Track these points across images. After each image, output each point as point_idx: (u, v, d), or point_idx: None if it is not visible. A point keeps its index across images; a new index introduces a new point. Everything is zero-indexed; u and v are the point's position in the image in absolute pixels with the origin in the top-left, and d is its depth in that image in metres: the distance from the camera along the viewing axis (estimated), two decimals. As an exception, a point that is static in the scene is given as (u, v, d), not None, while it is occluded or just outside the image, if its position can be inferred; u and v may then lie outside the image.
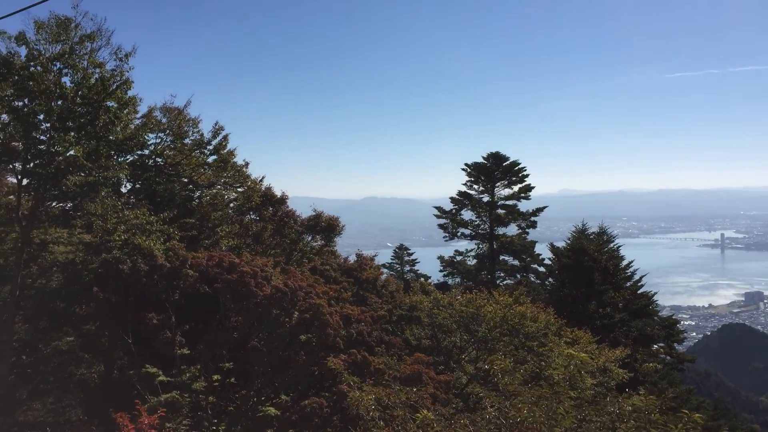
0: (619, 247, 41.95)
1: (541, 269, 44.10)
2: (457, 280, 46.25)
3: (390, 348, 21.80)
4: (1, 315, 26.01)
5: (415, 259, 74.44)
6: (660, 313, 43.27)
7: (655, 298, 40.74)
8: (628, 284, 39.94)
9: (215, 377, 21.54)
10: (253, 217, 30.77)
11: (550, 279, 44.08)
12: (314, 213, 31.75)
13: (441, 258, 47.62)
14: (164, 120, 26.71)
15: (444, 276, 46.81)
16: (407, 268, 71.30)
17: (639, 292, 39.43)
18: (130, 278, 20.81)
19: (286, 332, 20.90)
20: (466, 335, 25.23)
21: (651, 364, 34.17)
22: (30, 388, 27.53)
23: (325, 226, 31.12)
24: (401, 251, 75.08)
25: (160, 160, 26.70)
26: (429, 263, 74.90)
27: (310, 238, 31.64)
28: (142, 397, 19.75)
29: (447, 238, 47.02)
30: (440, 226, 47.58)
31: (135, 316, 20.35)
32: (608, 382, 23.89)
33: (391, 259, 70.11)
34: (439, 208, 47.91)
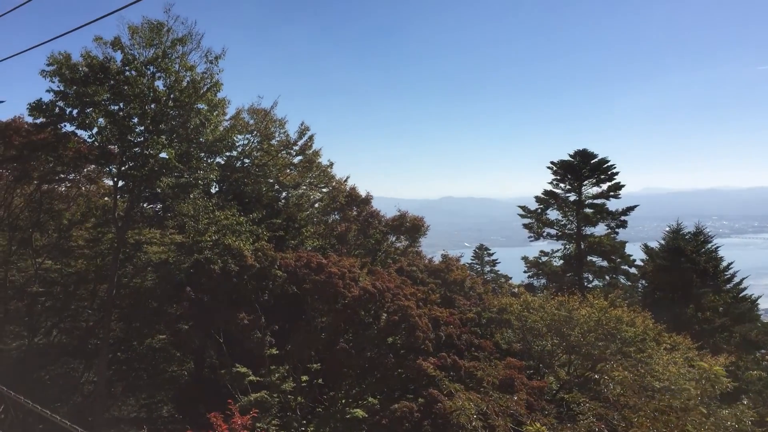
0: (718, 247, 39.59)
1: (632, 271, 42.13)
2: (543, 281, 44.84)
3: (480, 352, 21.15)
4: (99, 313, 26.96)
5: (496, 260, 73.19)
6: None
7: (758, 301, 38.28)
8: (728, 287, 37.64)
9: (303, 378, 21.51)
10: (336, 217, 30.75)
11: (642, 281, 42.11)
12: (398, 213, 31.41)
13: (525, 259, 46.29)
14: (251, 122, 26.97)
15: (529, 277, 45.46)
16: (488, 268, 70.22)
17: (741, 295, 37.08)
18: (221, 278, 21.01)
19: (374, 334, 20.58)
20: (557, 339, 24.26)
21: (755, 372, 32.06)
22: (124, 384, 28.44)
23: (410, 227, 30.73)
24: (481, 251, 74.04)
25: (247, 161, 26.99)
26: (509, 264, 73.40)
27: (393, 239, 31.32)
28: (232, 396, 19.90)
29: (532, 239, 45.63)
30: (525, 225, 46.20)
31: (226, 316, 20.50)
32: (711, 392, 22.42)
33: (471, 259, 69.13)
34: (523, 208, 46.57)
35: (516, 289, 29.65)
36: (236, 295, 21.20)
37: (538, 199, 45.06)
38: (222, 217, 21.91)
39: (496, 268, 71.20)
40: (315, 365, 21.76)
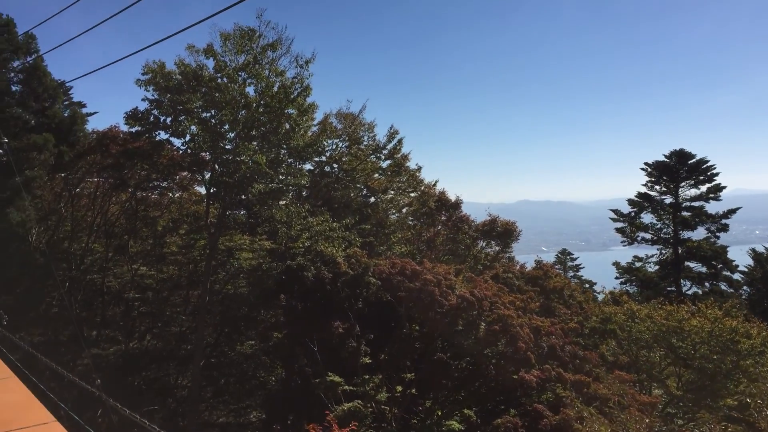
0: (833, 251, 36.65)
1: (736, 277, 39.52)
2: (635, 288, 42.75)
3: (584, 364, 19.96)
4: (192, 319, 27.22)
5: (579, 265, 70.94)
6: None
7: None
8: None
9: (398, 388, 20.87)
10: (425, 222, 29.96)
11: (746, 288, 39.47)
12: (489, 217, 30.35)
13: (617, 264, 44.27)
14: (339, 126, 26.63)
15: (621, 283, 43.38)
16: (570, 273, 68.03)
17: None
18: (315, 285, 20.64)
19: (472, 344, 19.71)
20: (663, 351, 22.78)
21: None
22: (214, 389, 28.63)
23: (501, 232, 29.63)
24: (564, 256, 71.91)
25: (335, 166, 26.66)
26: (590, 268, 70.95)
27: (483, 244, 30.28)
28: (322, 404, 19.56)
29: (626, 243, 43.67)
30: (618, 230, 44.25)
31: (320, 324, 20.11)
32: None
33: (553, 264, 67.13)
34: (615, 211, 44.62)
35: (605, 296, 28.02)
36: (329, 302, 20.78)
37: (631, 202, 43.07)
38: (315, 223, 21.56)
39: (579, 273, 69.12)
40: (409, 375, 21.10)
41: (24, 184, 22.87)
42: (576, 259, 72.42)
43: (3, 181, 23.69)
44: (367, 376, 20.91)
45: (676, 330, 21.72)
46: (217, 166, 24.17)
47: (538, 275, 24.02)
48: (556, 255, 73.55)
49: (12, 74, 25.67)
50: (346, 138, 26.42)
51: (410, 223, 28.99)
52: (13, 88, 25.92)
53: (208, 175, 24.74)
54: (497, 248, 30.55)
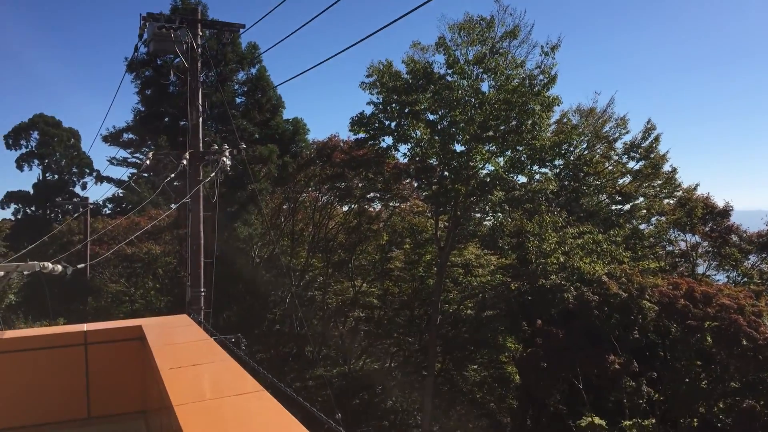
0: None
1: None
2: None
3: None
4: (415, 341, 25.05)
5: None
6: None
7: None
8: None
9: (685, 438, 16.98)
10: (681, 232, 25.19)
11: None
12: (767, 227, 24.71)
13: None
14: (581, 123, 23.06)
15: None
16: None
17: None
18: (578, 309, 17.35)
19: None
20: None
21: None
22: (438, 414, 26.28)
23: (791, 245, 24.00)
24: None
25: (577, 169, 23.10)
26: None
27: (755, 259, 24.83)
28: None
29: None
30: None
31: (586, 356, 16.80)
32: None
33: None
34: None
35: None
36: (595, 330, 17.34)
37: None
38: (573, 234, 18.22)
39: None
40: (692, 420, 17.19)
41: (252, 196, 21.99)
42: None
43: (230, 194, 23.03)
44: (636, 420, 17.30)
45: None
46: (447, 173, 21.78)
47: None
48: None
49: (236, 86, 25.23)
50: (593, 137, 22.80)
51: (666, 234, 24.48)
52: (237, 100, 25.48)
53: (435, 183, 22.40)
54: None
